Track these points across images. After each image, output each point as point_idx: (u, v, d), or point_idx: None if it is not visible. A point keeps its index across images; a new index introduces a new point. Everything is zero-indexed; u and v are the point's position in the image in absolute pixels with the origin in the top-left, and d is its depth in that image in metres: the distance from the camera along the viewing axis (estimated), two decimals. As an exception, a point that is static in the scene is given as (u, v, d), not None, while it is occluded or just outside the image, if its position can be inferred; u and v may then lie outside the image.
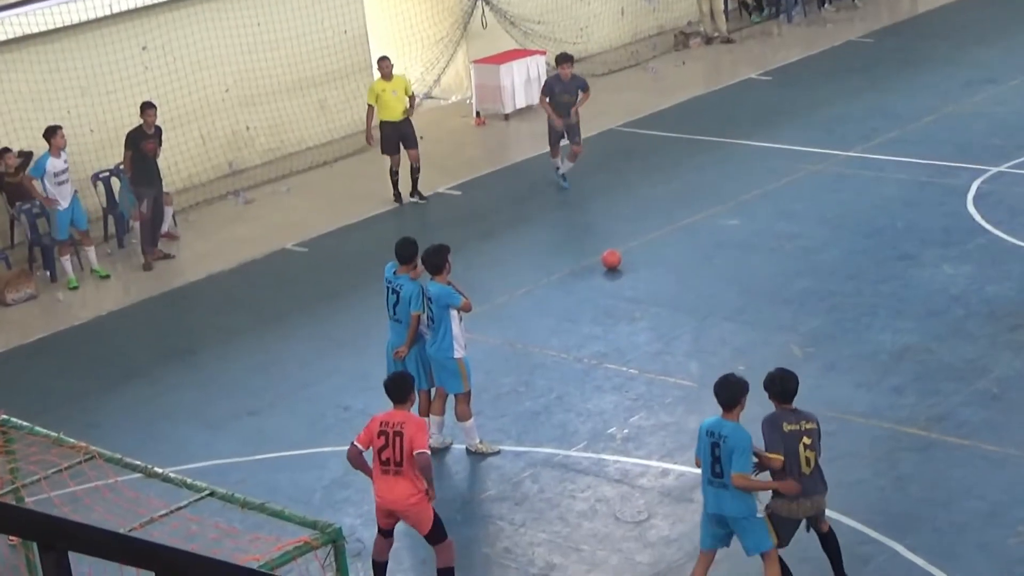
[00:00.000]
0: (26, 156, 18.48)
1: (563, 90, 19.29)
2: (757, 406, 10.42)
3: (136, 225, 18.64)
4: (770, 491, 10.14)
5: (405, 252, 12.69)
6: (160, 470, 8.84)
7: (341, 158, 22.06)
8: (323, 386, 14.62)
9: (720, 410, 10.07)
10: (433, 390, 12.91)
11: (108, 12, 19.62)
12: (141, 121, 18.20)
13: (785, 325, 15.03)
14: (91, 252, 18.19)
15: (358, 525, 11.71)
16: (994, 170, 18.97)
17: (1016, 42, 25.27)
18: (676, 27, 27.70)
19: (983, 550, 10.89)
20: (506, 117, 23.44)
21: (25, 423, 9.72)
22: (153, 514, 8.38)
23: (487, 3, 24.45)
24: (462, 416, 12.84)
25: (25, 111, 18.96)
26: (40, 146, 18.15)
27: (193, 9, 20.79)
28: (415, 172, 19.86)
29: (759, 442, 10.03)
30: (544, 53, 24.35)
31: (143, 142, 18.11)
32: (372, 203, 19.93)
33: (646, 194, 19.41)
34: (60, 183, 17.81)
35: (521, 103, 23.64)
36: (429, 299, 12.52)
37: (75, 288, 17.85)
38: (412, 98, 20.05)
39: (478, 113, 23.77)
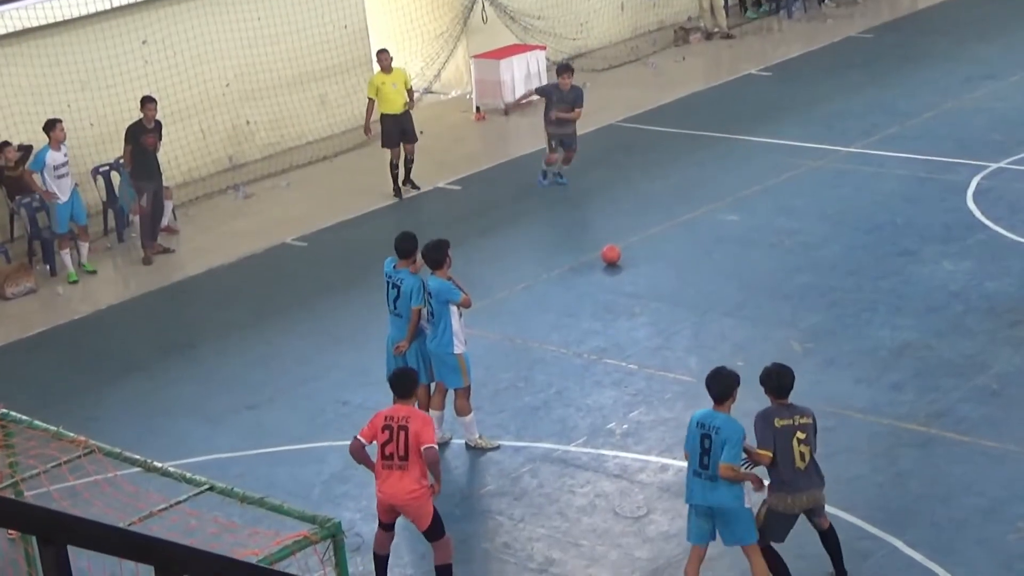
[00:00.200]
0: (26, 150, 18.45)
1: (560, 99, 19.28)
2: (754, 401, 10.42)
3: (136, 219, 18.64)
4: (764, 488, 10.14)
5: (404, 246, 12.69)
6: (159, 464, 8.83)
7: (341, 153, 22.06)
8: (322, 381, 14.61)
9: (711, 403, 10.08)
10: (433, 385, 12.91)
11: (108, 6, 19.63)
12: (141, 115, 18.19)
13: (785, 321, 15.03)
14: (84, 248, 18.18)
15: (357, 520, 11.71)
16: (994, 166, 18.97)
17: (1016, 38, 25.27)
18: (676, 22, 27.71)
19: (982, 546, 10.89)
20: (506, 112, 23.44)
21: (24, 417, 9.71)
22: (152, 508, 8.39)
23: (487, -2, 24.47)
24: (461, 411, 12.84)
25: (25, 105, 18.94)
26: (40, 140, 18.14)
27: (193, 3, 20.78)
28: (408, 163, 19.92)
29: (751, 436, 10.02)
30: (544, 48, 24.35)
31: (143, 136, 18.11)
32: (372, 198, 19.93)
33: (646, 189, 19.40)
34: (60, 177, 17.82)
35: (521, 98, 23.66)
36: (429, 294, 12.52)
37: (75, 282, 17.85)
38: (411, 92, 20.05)
39: (478, 108, 23.77)
